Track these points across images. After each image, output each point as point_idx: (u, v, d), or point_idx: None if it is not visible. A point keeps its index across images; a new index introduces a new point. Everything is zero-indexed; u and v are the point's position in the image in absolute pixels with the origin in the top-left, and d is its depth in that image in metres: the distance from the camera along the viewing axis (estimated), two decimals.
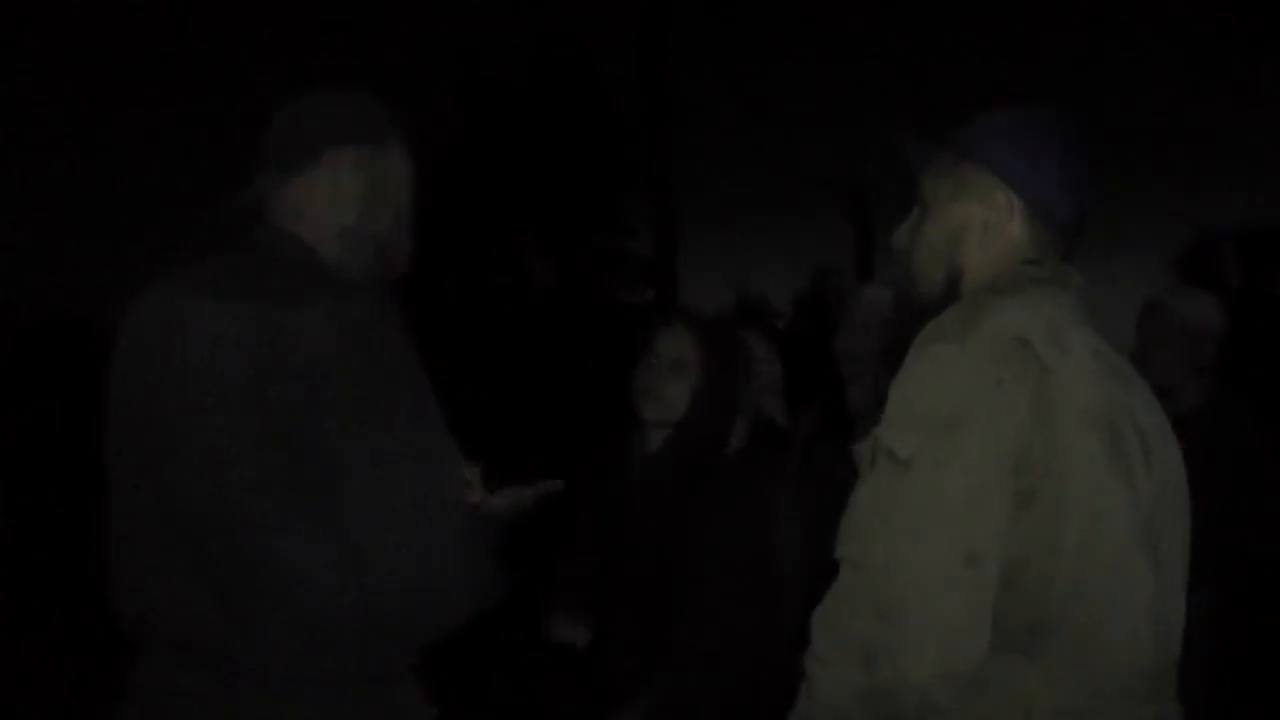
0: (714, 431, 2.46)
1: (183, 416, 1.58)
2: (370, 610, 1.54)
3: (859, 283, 14.14)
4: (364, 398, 1.55)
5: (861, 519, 1.43)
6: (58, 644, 5.38)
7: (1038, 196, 1.59)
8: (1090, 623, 1.43)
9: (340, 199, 1.76)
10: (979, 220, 1.62)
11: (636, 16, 13.50)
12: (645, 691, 2.36)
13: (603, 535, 2.56)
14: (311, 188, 1.75)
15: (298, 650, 1.55)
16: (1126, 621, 1.46)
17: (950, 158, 1.65)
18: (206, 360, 1.58)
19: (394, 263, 1.82)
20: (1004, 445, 1.39)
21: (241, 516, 1.54)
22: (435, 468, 1.59)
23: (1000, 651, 1.41)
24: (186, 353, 1.60)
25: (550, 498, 1.82)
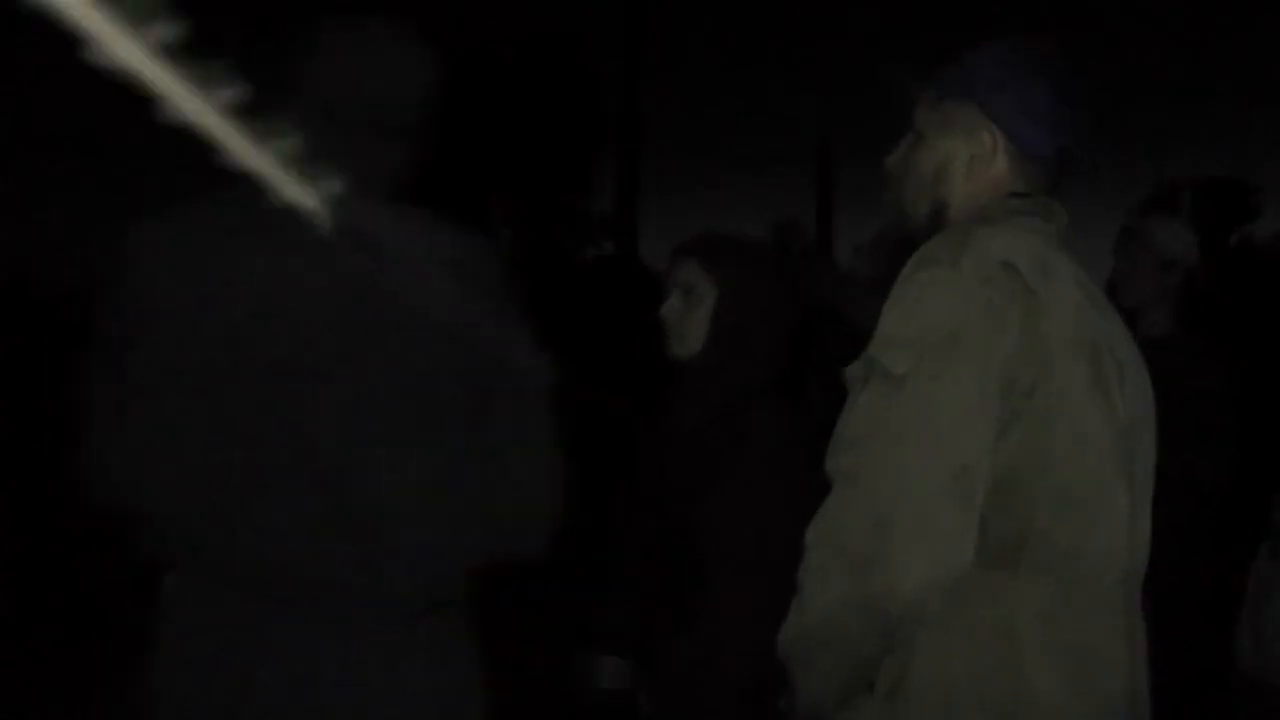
0: (740, 365, 2.24)
1: (332, 361, 1.61)
2: (454, 546, 1.66)
3: (820, 235, 14.13)
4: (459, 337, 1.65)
5: (855, 434, 1.46)
6: (57, 649, 5.31)
7: (1022, 134, 1.63)
8: (1072, 534, 1.49)
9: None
10: (964, 156, 1.66)
11: None
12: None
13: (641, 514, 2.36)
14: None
15: (393, 583, 1.62)
16: (1105, 534, 1.53)
17: (940, 91, 1.69)
18: (364, 306, 1.62)
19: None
20: (994, 364, 1.44)
21: (372, 462, 1.59)
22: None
23: (987, 561, 1.47)
24: (342, 296, 1.62)
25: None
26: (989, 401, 1.44)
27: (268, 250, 1.62)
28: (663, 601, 2.22)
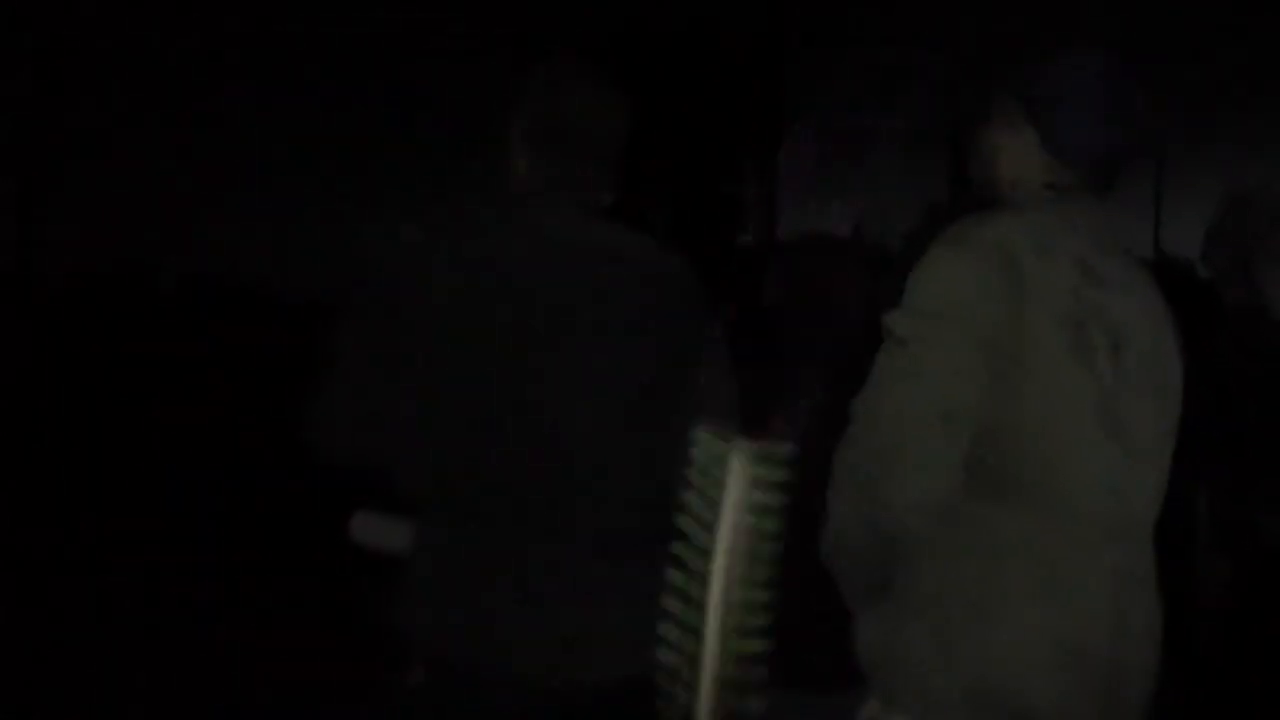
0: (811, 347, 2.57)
1: (563, 349, 1.93)
2: (646, 511, 1.95)
3: (951, 213, 14.23)
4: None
5: (870, 382, 1.78)
6: (58, 657, 5.22)
7: (1059, 138, 1.89)
8: (1049, 480, 1.76)
9: None
10: (1009, 147, 1.94)
11: None
12: None
13: None
14: None
15: (600, 533, 1.98)
16: (1084, 484, 1.78)
17: (1006, 87, 1.96)
18: (590, 303, 1.95)
19: None
20: (980, 331, 1.73)
21: (588, 435, 1.94)
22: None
23: (976, 494, 1.76)
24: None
25: None
26: (973, 362, 1.73)
27: (517, 249, 1.98)
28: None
